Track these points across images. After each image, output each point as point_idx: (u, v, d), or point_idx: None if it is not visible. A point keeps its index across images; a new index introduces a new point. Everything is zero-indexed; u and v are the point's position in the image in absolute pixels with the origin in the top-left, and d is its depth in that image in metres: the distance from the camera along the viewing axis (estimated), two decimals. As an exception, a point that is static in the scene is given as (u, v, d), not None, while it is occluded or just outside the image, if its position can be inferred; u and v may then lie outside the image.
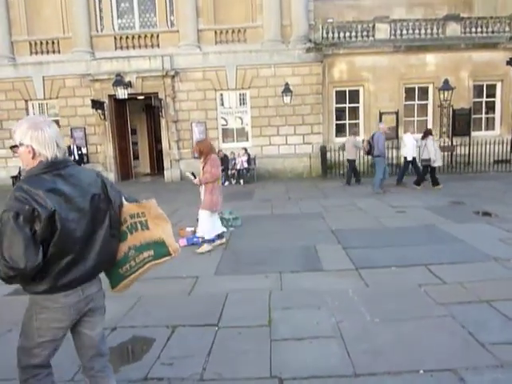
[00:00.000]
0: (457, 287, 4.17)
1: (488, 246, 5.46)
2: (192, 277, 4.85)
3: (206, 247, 5.99)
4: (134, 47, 14.70)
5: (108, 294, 4.52)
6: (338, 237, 6.34)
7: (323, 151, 13.89)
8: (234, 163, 13.75)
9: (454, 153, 13.97)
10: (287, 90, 14.05)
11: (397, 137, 14.48)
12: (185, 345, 3.25)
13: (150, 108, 17.49)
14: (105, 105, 14.32)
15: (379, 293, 4.14)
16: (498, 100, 15.46)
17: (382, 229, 6.83)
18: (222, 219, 7.34)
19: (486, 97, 15.47)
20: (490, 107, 15.58)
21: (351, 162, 12.16)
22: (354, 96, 15.24)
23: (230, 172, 13.81)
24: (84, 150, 14.20)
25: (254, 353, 3.09)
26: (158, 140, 16.74)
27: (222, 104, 15.00)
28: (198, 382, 2.77)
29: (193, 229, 6.93)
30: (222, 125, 15.11)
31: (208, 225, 6.03)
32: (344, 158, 13.66)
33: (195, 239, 6.38)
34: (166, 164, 14.96)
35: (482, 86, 15.32)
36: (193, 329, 3.52)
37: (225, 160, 13.76)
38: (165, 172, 14.97)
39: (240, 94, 14.96)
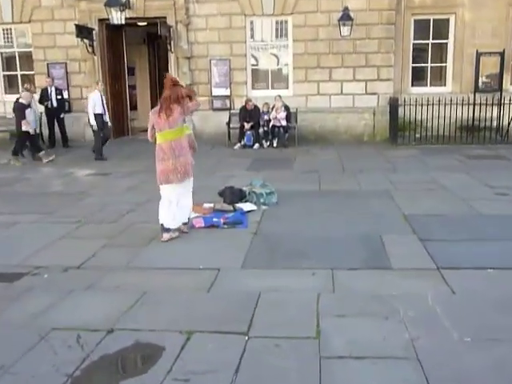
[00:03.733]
0: None
1: None
2: (212, 269, 4.95)
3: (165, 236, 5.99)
4: (134, -49, 14.67)
5: (102, 286, 4.71)
6: (413, 224, 6.32)
7: (394, 105, 13.66)
8: (268, 118, 13.63)
9: None
10: (346, 17, 13.75)
11: (500, 89, 14.05)
12: (204, 357, 3.35)
13: (154, 39, 17.60)
14: (94, 32, 14.46)
15: (470, 302, 4.12)
16: None
17: (475, 216, 6.77)
18: (251, 193, 7.45)
19: None
20: None
21: None
22: (442, 28, 14.86)
23: (261, 130, 13.75)
24: (65, 95, 14.50)
25: (296, 373, 3.16)
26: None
27: (253, 36, 14.90)
28: (223, 407, 2.88)
29: (212, 205, 7.07)
30: (252, 64, 15.07)
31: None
32: (424, 116, 13.35)
33: (215, 219, 6.49)
34: (174, 117, 15.05)
35: None
36: (214, 336, 3.62)
37: (255, 114, 13.67)
38: (172, 128, 15.08)
39: (278, 23, 14.81)
